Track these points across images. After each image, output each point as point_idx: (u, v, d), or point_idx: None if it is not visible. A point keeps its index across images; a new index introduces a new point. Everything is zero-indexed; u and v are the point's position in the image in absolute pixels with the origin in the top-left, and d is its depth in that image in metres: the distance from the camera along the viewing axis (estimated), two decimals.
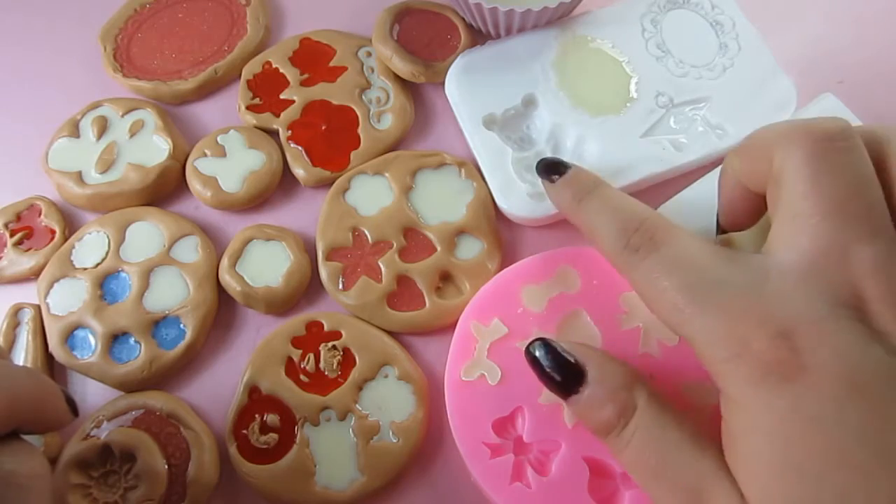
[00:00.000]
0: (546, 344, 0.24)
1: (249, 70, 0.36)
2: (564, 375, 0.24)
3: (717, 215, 0.27)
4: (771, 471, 0.19)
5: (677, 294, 0.21)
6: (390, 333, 0.31)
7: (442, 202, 0.33)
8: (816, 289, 0.20)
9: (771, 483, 0.19)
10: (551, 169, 0.28)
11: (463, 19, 0.37)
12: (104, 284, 0.32)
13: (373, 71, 0.36)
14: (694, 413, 0.26)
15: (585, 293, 0.29)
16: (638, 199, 0.33)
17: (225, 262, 0.32)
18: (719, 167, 0.30)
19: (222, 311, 0.32)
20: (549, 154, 0.33)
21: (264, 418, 0.29)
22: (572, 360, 0.24)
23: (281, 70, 0.36)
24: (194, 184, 0.34)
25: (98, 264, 0.32)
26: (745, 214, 0.25)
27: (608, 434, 0.23)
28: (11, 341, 0.31)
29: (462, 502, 0.28)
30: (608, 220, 0.25)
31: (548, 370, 0.24)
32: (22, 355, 0.31)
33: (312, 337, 0.30)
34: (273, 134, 0.35)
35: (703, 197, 0.29)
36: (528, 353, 0.24)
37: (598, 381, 0.23)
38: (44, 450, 0.27)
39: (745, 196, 0.24)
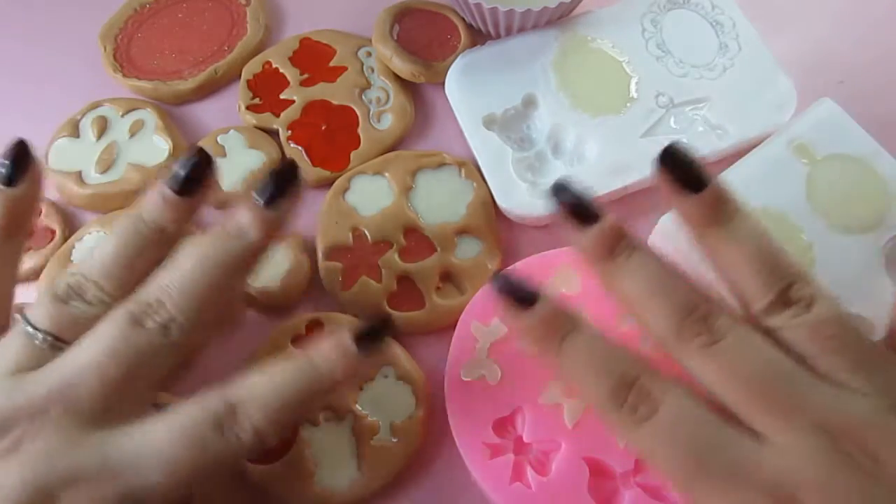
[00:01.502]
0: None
1: (249, 70, 0.36)
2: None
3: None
4: None
5: (685, 460, 0.21)
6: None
7: (442, 202, 0.33)
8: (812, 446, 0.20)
9: None
10: (522, 296, 0.23)
11: (463, 19, 0.37)
12: None
13: (373, 71, 0.36)
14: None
15: (585, 293, 0.29)
16: (638, 200, 0.33)
17: None
18: (722, 167, 0.30)
19: None
20: (549, 154, 0.33)
21: None
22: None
23: (281, 70, 0.36)
24: None
25: None
26: None
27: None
28: None
29: (462, 502, 0.28)
30: (595, 373, 0.22)
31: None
32: None
33: (312, 337, 0.30)
34: (273, 134, 0.35)
35: None
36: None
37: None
38: None
39: None
